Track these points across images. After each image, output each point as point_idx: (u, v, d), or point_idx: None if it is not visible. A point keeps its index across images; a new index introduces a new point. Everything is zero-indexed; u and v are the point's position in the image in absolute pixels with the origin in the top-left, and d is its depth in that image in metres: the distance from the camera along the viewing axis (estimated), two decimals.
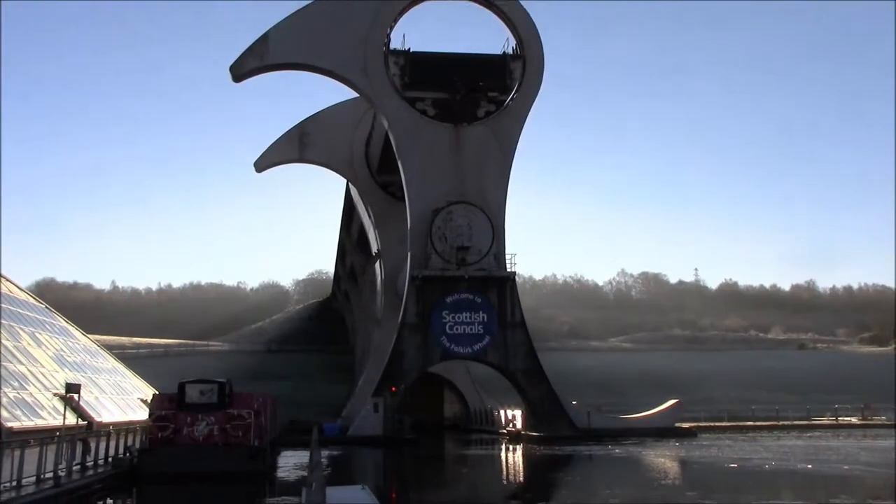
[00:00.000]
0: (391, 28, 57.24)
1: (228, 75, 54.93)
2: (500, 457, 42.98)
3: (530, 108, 57.95)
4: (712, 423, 61.83)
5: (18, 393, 30.57)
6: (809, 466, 31.58)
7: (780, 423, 64.45)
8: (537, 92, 57.84)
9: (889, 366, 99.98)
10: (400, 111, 56.18)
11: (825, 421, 67.57)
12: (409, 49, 57.43)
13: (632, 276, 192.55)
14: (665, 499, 21.62)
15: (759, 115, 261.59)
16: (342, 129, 71.84)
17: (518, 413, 56.01)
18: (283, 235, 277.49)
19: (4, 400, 27.98)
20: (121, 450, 27.77)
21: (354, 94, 62.40)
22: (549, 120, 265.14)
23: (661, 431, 52.10)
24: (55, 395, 33.05)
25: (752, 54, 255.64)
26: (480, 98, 57.48)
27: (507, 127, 57.32)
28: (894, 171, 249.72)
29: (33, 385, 33.09)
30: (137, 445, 28.87)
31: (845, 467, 30.99)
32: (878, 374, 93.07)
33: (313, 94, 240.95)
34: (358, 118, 71.04)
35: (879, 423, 66.10)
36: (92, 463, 25.22)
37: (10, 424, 25.43)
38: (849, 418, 68.79)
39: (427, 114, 56.46)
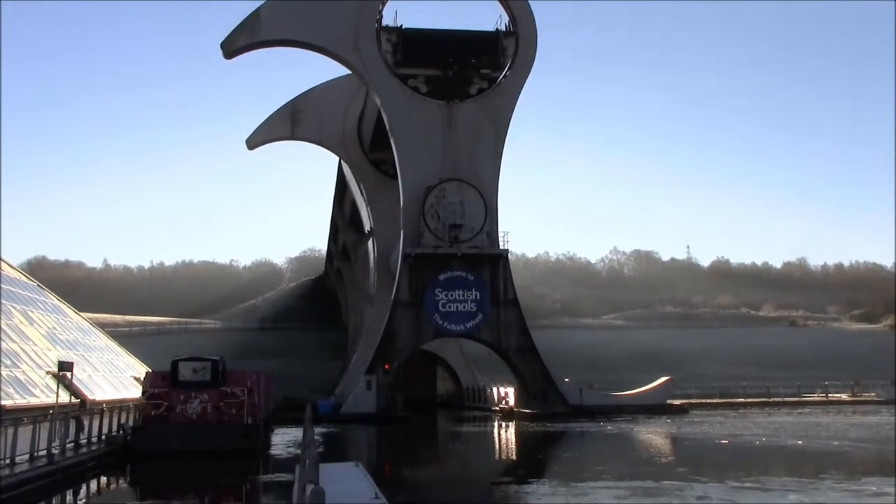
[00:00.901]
0: (383, 4, 56.90)
1: (219, 52, 54.66)
2: (492, 434, 43.20)
3: (523, 85, 57.78)
4: (704, 400, 62.20)
5: (11, 371, 30.56)
6: (800, 442, 31.85)
7: (771, 399, 64.83)
8: (530, 69, 57.64)
9: (879, 342, 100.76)
10: (392, 88, 55.94)
11: (815, 397, 68.03)
12: (401, 26, 57.09)
13: (624, 253, 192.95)
14: (656, 475, 21.79)
15: (751, 90, 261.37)
16: (334, 107, 71.48)
17: (510, 390, 56.26)
18: (275, 213, 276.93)
19: None
20: (114, 427, 27.80)
21: (347, 71, 62.08)
22: (542, 96, 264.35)
23: (653, 408, 52.44)
24: (48, 373, 33.05)
25: (745, 29, 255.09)
26: (473, 75, 57.27)
27: (500, 104, 57.15)
28: (893, 148, 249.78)
29: (26, 363, 33.08)
30: (131, 423, 28.92)
31: (835, 443, 31.25)
32: (869, 350, 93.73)
33: (306, 70, 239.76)
34: (350, 95, 70.67)
35: (869, 399, 66.61)
36: (85, 441, 25.26)
37: (3, 402, 25.43)
38: (839, 395, 69.27)
39: (419, 91, 56.27)
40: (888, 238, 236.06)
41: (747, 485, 19.91)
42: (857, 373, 73.98)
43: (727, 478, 21.04)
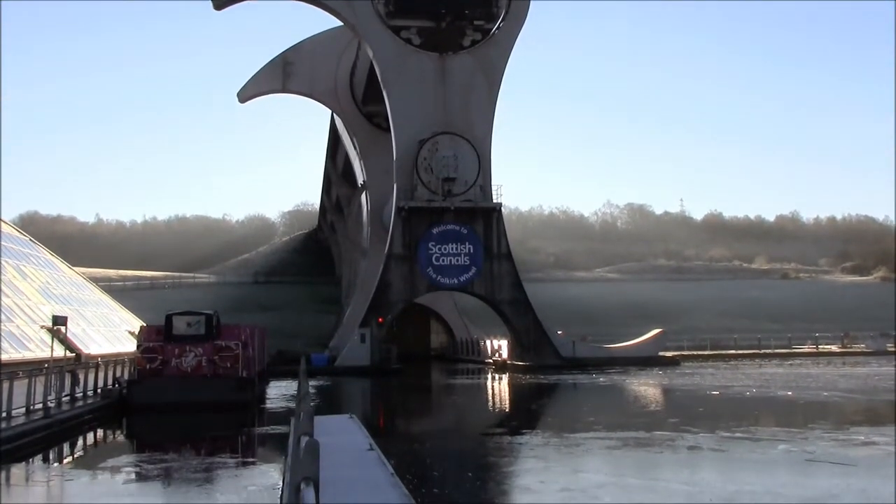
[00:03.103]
0: None
1: (209, 3, 53.92)
2: (485, 386, 43.56)
3: (517, 37, 57.24)
4: (695, 352, 62.75)
5: (5, 325, 30.63)
6: (789, 393, 32.17)
7: (762, 351, 65.47)
8: (524, 21, 57.08)
9: (869, 295, 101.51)
10: (384, 40, 55.36)
11: (806, 349, 68.67)
12: None
13: (617, 206, 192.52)
14: (648, 426, 22.03)
15: (746, 44, 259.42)
16: (326, 59, 70.74)
17: (504, 343, 56.65)
18: (267, 167, 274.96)
19: None
20: (109, 381, 27.96)
21: (339, 23, 61.32)
22: (535, 47, 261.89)
23: (645, 360, 52.92)
24: (42, 327, 33.15)
25: None
26: (466, 26, 56.65)
27: (493, 56, 56.69)
28: (892, 103, 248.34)
29: (20, 317, 33.16)
30: (126, 377, 29.08)
31: (825, 394, 31.58)
32: (859, 302, 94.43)
33: (299, 22, 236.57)
34: (342, 47, 69.90)
35: (858, 350, 67.27)
36: (81, 394, 25.42)
37: None
38: (829, 346, 69.93)
39: (412, 43, 55.70)
40: (880, 191, 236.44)
41: (738, 435, 20.16)
42: (848, 324, 74.66)
43: (718, 428, 21.28)
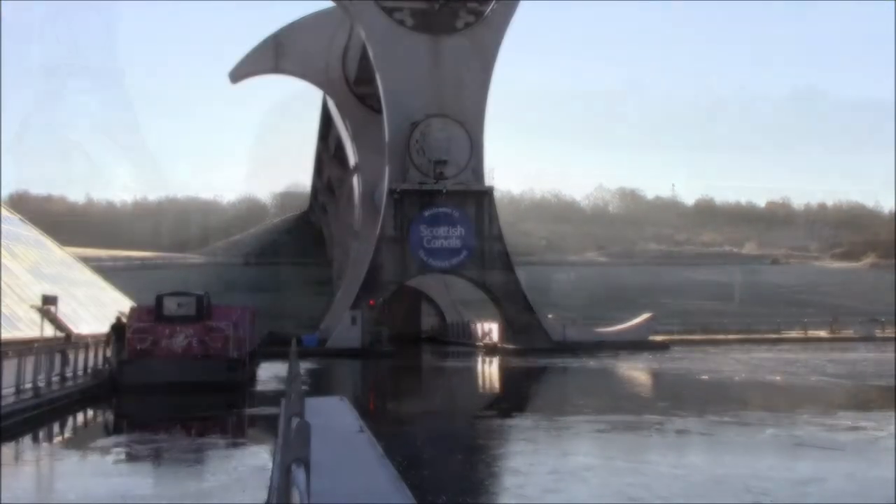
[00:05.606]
0: None
1: None
2: (476, 369, 43.67)
3: (511, 18, 56.94)
4: (685, 337, 62.76)
5: None
6: (778, 378, 32.35)
7: (752, 336, 65.63)
8: (518, 2, 56.78)
9: (857, 280, 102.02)
10: (377, 21, 55.03)
11: (795, 334, 68.90)
12: None
13: (609, 191, 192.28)
14: (638, 410, 22.16)
15: (739, 28, 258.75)
16: (318, 39, 70.28)
17: (494, 326, 56.69)
18: (258, 148, 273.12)
19: None
20: (100, 361, 27.91)
21: (331, 3, 60.93)
22: (528, 30, 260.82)
23: (635, 344, 52.96)
24: (32, 307, 33.02)
25: None
26: (460, 8, 56.29)
27: (487, 38, 56.41)
28: (893, 90, 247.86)
29: (9, 297, 33.02)
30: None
31: (812, 379, 31.78)
32: (848, 288, 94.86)
33: (291, 1, 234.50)
34: (334, 28, 69.41)
35: (846, 336, 67.55)
36: (71, 374, 25.38)
37: None
38: (818, 332, 70.20)
39: (405, 24, 55.37)
40: (870, 178, 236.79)
41: (726, 419, 20.29)
42: (837, 310, 74.96)
43: (707, 412, 21.41)
